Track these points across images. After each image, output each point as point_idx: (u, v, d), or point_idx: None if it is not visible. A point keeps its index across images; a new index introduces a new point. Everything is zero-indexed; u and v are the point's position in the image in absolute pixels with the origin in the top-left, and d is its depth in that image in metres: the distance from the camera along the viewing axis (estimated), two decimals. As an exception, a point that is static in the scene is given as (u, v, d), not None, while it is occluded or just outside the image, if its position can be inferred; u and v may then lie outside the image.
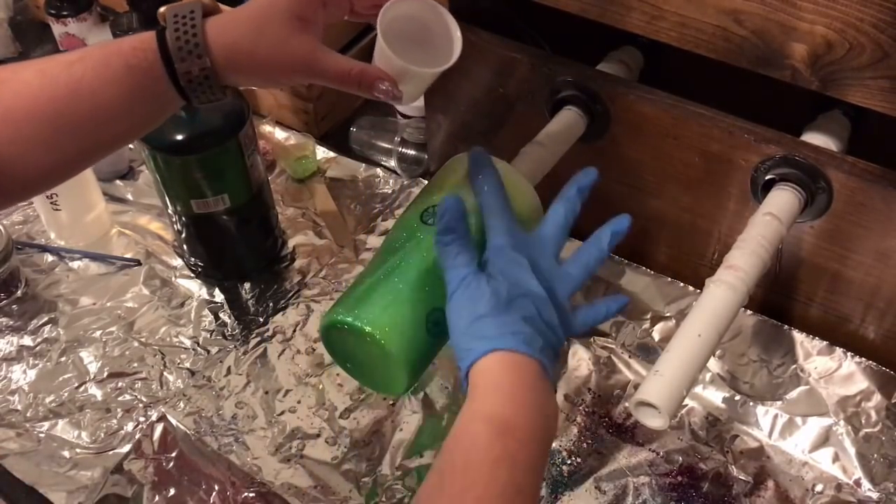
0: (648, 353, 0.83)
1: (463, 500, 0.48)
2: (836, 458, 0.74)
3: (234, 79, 0.57)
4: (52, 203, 0.92)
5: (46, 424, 0.80)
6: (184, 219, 0.86)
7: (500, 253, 0.57)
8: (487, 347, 0.53)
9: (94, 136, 0.57)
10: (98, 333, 0.87)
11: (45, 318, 0.89)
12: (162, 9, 0.56)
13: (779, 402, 0.78)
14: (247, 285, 0.91)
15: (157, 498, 0.74)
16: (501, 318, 0.53)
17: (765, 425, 0.77)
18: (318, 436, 0.78)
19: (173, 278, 0.93)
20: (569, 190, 0.61)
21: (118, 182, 1.03)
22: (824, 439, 0.76)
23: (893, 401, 0.76)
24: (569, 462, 0.75)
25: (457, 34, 0.61)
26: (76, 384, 0.83)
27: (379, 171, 1.03)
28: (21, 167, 0.55)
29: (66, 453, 0.77)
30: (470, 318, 0.54)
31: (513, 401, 0.51)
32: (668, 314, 0.85)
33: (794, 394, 0.78)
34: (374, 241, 0.95)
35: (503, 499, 0.48)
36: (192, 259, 0.92)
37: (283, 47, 0.56)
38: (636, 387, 0.65)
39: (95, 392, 0.82)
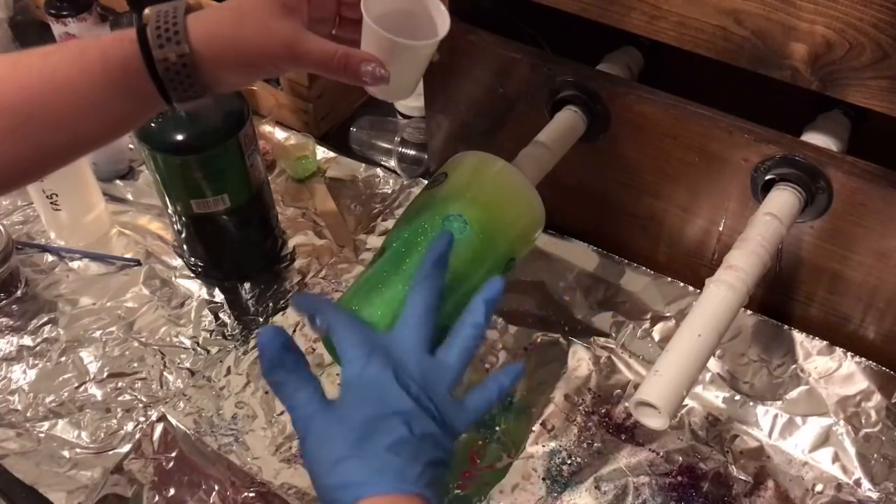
0: (648, 353, 0.83)
1: None
2: (836, 458, 0.74)
3: (215, 71, 0.55)
4: (52, 203, 0.92)
5: (46, 424, 0.80)
6: (184, 219, 0.86)
7: (352, 372, 0.51)
8: (352, 497, 0.46)
9: (67, 130, 0.54)
10: (98, 333, 0.87)
11: (45, 318, 0.89)
12: (147, 10, 0.55)
13: (779, 402, 0.78)
14: (247, 285, 0.91)
15: (157, 498, 0.74)
16: (363, 456, 0.47)
17: (765, 425, 0.77)
18: (318, 436, 0.78)
19: (173, 278, 0.93)
20: (423, 269, 0.56)
21: (118, 182, 1.03)
22: (824, 439, 0.76)
23: (893, 401, 0.76)
24: (569, 462, 0.75)
25: (440, 9, 0.61)
26: (76, 384, 0.83)
27: (379, 171, 1.03)
28: None
29: (66, 453, 0.77)
30: (328, 463, 0.48)
31: None
32: (668, 314, 0.85)
33: (794, 394, 0.78)
34: (374, 241, 0.95)
35: None
36: (192, 259, 0.92)
37: (264, 30, 0.55)
38: (636, 387, 0.65)
39: (95, 392, 0.82)
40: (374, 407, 0.49)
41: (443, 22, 0.61)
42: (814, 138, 0.74)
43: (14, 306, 0.90)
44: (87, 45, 0.54)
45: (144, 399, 0.82)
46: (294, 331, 0.86)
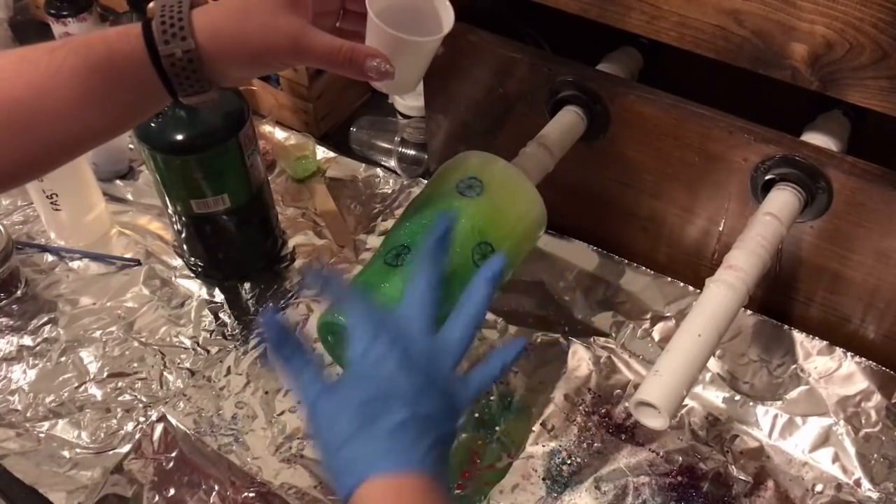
0: (648, 353, 0.83)
1: None
2: (836, 458, 0.74)
3: (221, 66, 0.55)
4: (52, 203, 0.92)
5: (46, 424, 0.80)
6: (184, 219, 0.86)
7: (357, 351, 0.51)
8: (358, 479, 0.46)
9: (74, 125, 0.55)
10: (98, 333, 0.87)
11: (45, 318, 0.89)
12: (151, 4, 0.55)
13: (779, 402, 0.78)
14: (247, 285, 0.91)
15: (157, 498, 0.74)
16: (368, 437, 0.47)
17: (765, 425, 0.77)
18: (318, 436, 0.78)
19: (173, 278, 0.93)
20: (424, 248, 0.56)
21: (118, 182, 1.03)
22: (824, 439, 0.75)
23: (893, 401, 0.76)
24: (569, 462, 0.75)
25: (445, 3, 0.61)
26: (76, 384, 0.83)
27: (379, 171, 1.03)
28: None
29: (66, 453, 0.77)
30: (334, 444, 0.48)
31: None
32: (668, 314, 0.85)
33: (794, 394, 0.78)
34: (374, 241, 0.95)
35: None
36: (192, 259, 0.92)
37: (269, 24, 0.55)
38: (636, 387, 0.65)
39: (95, 392, 0.82)
40: (377, 388, 0.49)
41: (447, 17, 0.61)
42: (814, 138, 0.74)
43: (14, 306, 0.90)
44: (93, 41, 0.54)
45: (144, 399, 0.82)
46: (294, 331, 0.86)
